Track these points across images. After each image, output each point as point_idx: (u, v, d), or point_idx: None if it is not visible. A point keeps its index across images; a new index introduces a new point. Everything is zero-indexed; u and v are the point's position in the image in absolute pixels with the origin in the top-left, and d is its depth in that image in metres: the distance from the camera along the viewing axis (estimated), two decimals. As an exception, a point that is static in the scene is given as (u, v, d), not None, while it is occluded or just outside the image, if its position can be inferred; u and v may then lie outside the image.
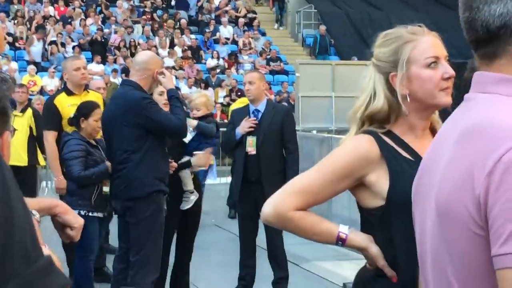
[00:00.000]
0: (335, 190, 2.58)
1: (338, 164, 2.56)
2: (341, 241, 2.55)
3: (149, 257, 5.93)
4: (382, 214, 2.53)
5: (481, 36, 1.53)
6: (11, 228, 1.07)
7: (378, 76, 2.64)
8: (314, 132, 13.11)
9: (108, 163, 6.29)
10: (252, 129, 7.02)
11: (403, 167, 2.53)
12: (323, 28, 26.81)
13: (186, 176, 6.61)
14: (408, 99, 2.57)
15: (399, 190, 2.48)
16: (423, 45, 2.58)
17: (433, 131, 2.71)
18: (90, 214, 6.27)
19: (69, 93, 7.35)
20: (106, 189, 6.35)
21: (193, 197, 6.66)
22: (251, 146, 7.04)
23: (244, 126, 7.02)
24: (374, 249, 2.54)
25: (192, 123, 6.77)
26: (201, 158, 6.67)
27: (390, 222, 2.52)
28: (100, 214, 6.41)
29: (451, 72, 2.56)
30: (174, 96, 6.03)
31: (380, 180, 2.54)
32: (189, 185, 6.65)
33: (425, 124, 2.67)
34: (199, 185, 6.90)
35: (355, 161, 2.55)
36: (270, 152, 7.04)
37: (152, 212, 5.88)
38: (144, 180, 5.86)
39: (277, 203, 2.53)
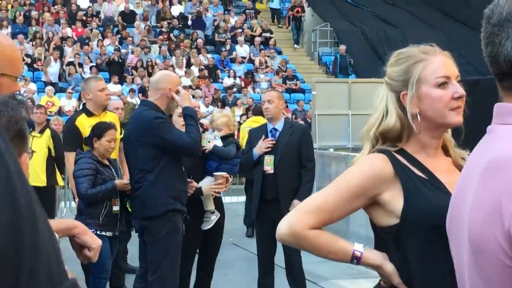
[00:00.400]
0: (350, 209, 2.59)
1: (352, 183, 2.57)
2: (356, 259, 2.56)
3: (166, 277, 5.93)
4: (396, 232, 2.55)
5: (504, 69, 1.55)
6: (38, 250, 1.08)
7: (390, 95, 2.65)
8: (331, 150, 13.10)
9: (116, 182, 6.34)
10: (270, 149, 7.03)
11: (417, 185, 2.55)
12: (343, 47, 26.69)
13: (206, 197, 6.60)
14: (419, 118, 2.59)
15: (414, 208, 2.50)
16: (434, 64, 2.59)
17: (445, 149, 2.73)
18: (98, 232, 6.27)
19: (89, 114, 7.38)
20: (116, 208, 6.39)
21: (214, 217, 6.64)
22: (268, 165, 7.05)
23: (262, 146, 7.04)
24: (389, 267, 2.55)
25: (208, 146, 6.75)
26: (213, 186, 6.61)
27: (404, 240, 2.53)
28: (109, 233, 6.38)
29: (461, 92, 2.57)
30: (188, 114, 6.04)
31: (394, 198, 2.55)
32: (209, 205, 6.64)
33: (437, 143, 2.68)
34: (221, 204, 6.90)
35: (369, 180, 2.56)
36: (287, 171, 7.05)
37: (168, 231, 5.89)
38: (159, 199, 5.88)
39: (292, 222, 2.55)
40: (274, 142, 7.04)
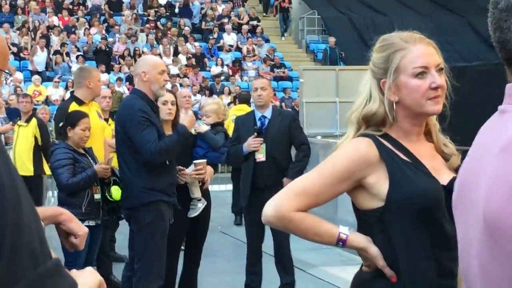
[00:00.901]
0: (336, 192, 2.62)
1: (338, 166, 2.60)
2: (341, 242, 2.58)
3: (151, 265, 5.93)
4: (381, 215, 2.58)
5: None
6: (20, 229, 1.09)
7: (373, 81, 2.69)
8: (319, 137, 13.11)
9: (96, 167, 6.29)
10: (257, 148, 7.02)
11: (402, 169, 2.59)
12: (332, 40, 26.50)
13: (193, 184, 6.59)
14: (395, 106, 2.63)
15: (399, 191, 2.54)
16: (413, 54, 2.61)
17: (429, 134, 2.76)
18: (81, 223, 6.21)
19: (80, 102, 7.32)
20: (97, 196, 6.33)
21: (200, 205, 6.63)
22: (260, 153, 7.04)
23: (250, 144, 7.01)
24: (374, 250, 2.58)
25: (202, 128, 6.76)
26: (192, 173, 6.58)
27: (389, 223, 2.57)
28: (92, 223, 6.25)
29: (438, 82, 2.59)
30: (178, 130, 6.02)
31: (379, 182, 2.58)
32: (196, 193, 6.62)
33: (419, 130, 2.71)
34: (208, 192, 6.89)
35: (355, 163, 2.59)
36: (278, 158, 7.06)
37: (152, 219, 5.87)
38: (142, 191, 5.86)
39: (278, 204, 2.57)
40: (261, 140, 7.02)
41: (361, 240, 2.59)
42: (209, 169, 6.73)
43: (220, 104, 7.49)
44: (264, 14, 30.89)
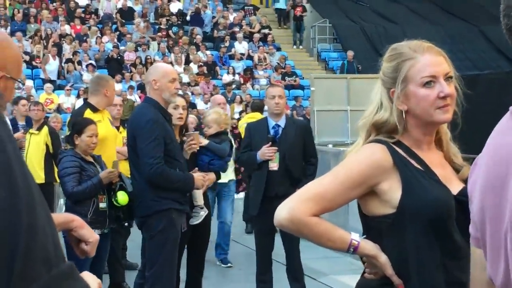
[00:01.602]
0: (349, 197, 2.62)
1: (353, 171, 2.60)
2: (353, 248, 2.58)
3: (162, 272, 5.92)
4: (392, 222, 2.58)
5: None
6: (34, 232, 1.10)
7: (383, 90, 2.70)
8: (330, 146, 13.11)
9: (101, 174, 6.26)
10: (272, 157, 7.00)
11: (416, 176, 2.59)
12: (351, 54, 26.21)
13: (197, 191, 6.58)
14: (404, 115, 2.63)
15: (412, 199, 2.54)
16: (421, 63, 2.61)
17: (439, 142, 2.75)
18: None
19: (95, 109, 7.35)
20: (102, 205, 6.31)
21: (203, 213, 6.61)
22: (273, 162, 7.02)
23: (265, 153, 6.98)
24: (383, 258, 2.58)
25: (203, 142, 6.73)
26: (187, 149, 6.48)
27: (400, 230, 2.56)
28: (97, 231, 6.11)
29: (447, 91, 2.59)
30: (187, 181, 6.05)
31: (391, 188, 2.58)
32: (199, 200, 6.60)
33: (429, 139, 2.72)
34: (208, 201, 6.89)
35: (369, 169, 2.59)
36: (291, 168, 7.03)
37: (164, 227, 5.87)
38: (155, 199, 5.86)
39: (292, 208, 2.56)
40: (276, 149, 6.99)
41: (372, 247, 2.59)
42: (211, 175, 6.72)
43: (220, 114, 7.44)
44: (279, 26, 30.82)
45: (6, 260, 1.07)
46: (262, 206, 7.04)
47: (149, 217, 5.90)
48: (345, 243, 2.58)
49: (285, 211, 2.57)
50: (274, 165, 7.01)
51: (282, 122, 7.16)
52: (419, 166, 2.62)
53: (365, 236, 2.63)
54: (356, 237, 2.59)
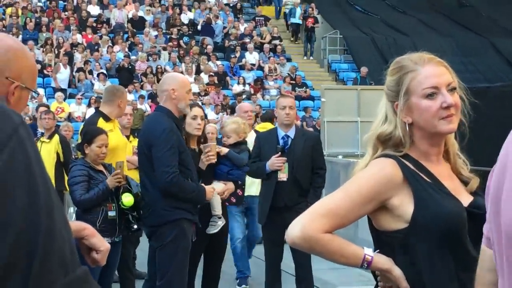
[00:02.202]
0: (361, 213, 2.61)
1: (365, 187, 2.59)
2: (367, 263, 2.57)
3: (173, 282, 5.93)
4: (404, 237, 2.57)
5: None
6: (53, 236, 1.11)
7: (387, 104, 2.71)
8: (340, 157, 13.10)
9: (107, 180, 6.26)
10: (281, 167, 7.00)
11: (427, 190, 2.58)
12: (365, 70, 25.77)
13: (216, 200, 6.58)
14: (408, 128, 2.64)
15: (425, 213, 2.54)
16: (422, 75, 2.62)
17: (447, 154, 2.76)
18: None
19: (107, 119, 7.38)
20: (111, 213, 6.31)
21: (220, 222, 6.61)
22: (282, 172, 7.02)
23: (274, 163, 6.99)
24: (398, 271, 2.57)
25: (222, 151, 6.74)
26: (204, 157, 6.47)
27: (413, 244, 2.56)
28: (107, 240, 6.14)
29: (449, 101, 2.59)
30: (200, 194, 6.05)
31: (403, 203, 2.58)
32: (217, 209, 6.61)
33: (438, 150, 2.71)
34: (225, 211, 6.89)
35: (381, 184, 2.59)
36: (300, 179, 7.03)
37: (175, 236, 5.88)
38: (167, 209, 5.88)
39: (305, 225, 2.54)
40: (285, 159, 6.99)
41: (385, 261, 2.58)
42: (230, 185, 6.74)
43: (239, 123, 7.45)
44: (292, 41, 30.75)
45: (24, 261, 1.08)
46: (270, 216, 7.06)
47: (160, 226, 5.90)
48: (358, 259, 2.57)
49: (297, 229, 2.54)
50: (283, 176, 7.01)
51: (291, 132, 7.17)
52: (428, 179, 2.61)
53: (378, 250, 2.62)
54: (369, 252, 2.58)
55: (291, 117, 7.15)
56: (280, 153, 7.00)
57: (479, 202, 2.59)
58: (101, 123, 7.24)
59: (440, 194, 2.58)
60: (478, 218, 2.43)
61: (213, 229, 6.57)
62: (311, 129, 20.39)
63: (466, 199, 2.62)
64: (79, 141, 7.15)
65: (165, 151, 5.78)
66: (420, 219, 2.54)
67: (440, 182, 2.62)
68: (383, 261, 2.59)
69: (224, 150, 6.76)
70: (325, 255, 2.61)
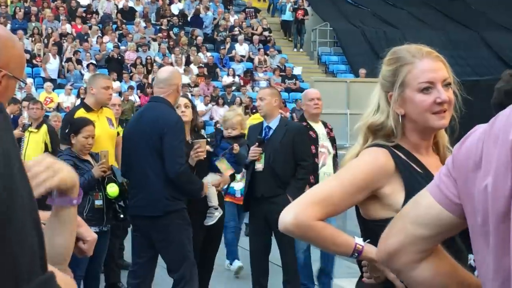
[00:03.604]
0: (354, 202, 2.62)
1: (358, 176, 2.59)
2: (357, 253, 2.59)
3: (192, 271, 6.07)
4: None
5: None
6: (6, 244, 1.05)
7: (381, 93, 2.71)
8: (329, 149, 13.07)
9: (93, 170, 6.25)
10: (256, 157, 7.03)
11: (418, 180, 2.58)
12: (363, 71, 24.91)
13: (212, 192, 6.58)
14: (401, 120, 2.64)
15: None
16: (419, 69, 2.62)
17: (436, 145, 2.78)
18: None
19: (88, 109, 7.34)
20: (98, 202, 6.30)
21: (217, 214, 6.61)
22: (259, 162, 7.06)
23: (250, 153, 7.04)
24: None
25: (236, 148, 6.79)
26: (194, 156, 6.46)
27: None
28: (95, 229, 6.02)
29: (444, 97, 2.59)
30: (196, 190, 6.15)
31: (394, 192, 2.59)
32: (213, 201, 6.60)
33: (427, 143, 2.73)
34: (222, 202, 6.89)
35: (374, 173, 2.59)
36: (277, 170, 7.01)
37: (180, 226, 6.00)
38: (170, 199, 5.95)
39: (298, 212, 2.53)
40: (260, 151, 7.02)
41: (375, 251, 2.60)
42: (225, 177, 6.74)
43: (242, 115, 7.51)
44: (284, 37, 30.64)
45: None
46: (252, 206, 7.11)
47: (163, 217, 5.94)
48: (349, 248, 2.58)
49: (290, 216, 2.54)
50: (259, 166, 7.06)
51: (273, 124, 7.17)
52: (419, 169, 2.63)
53: (369, 240, 2.62)
54: (360, 241, 2.60)
55: (263, 108, 7.17)
56: (258, 143, 7.04)
57: None
58: (81, 113, 7.21)
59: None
60: None
61: (210, 221, 6.58)
62: (298, 121, 20.40)
63: None
64: (60, 130, 7.12)
65: (178, 141, 5.91)
66: None
67: (430, 173, 2.62)
68: (373, 251, 2.58)
69: (237, 149, 6.80)
70: (316, 242, 2.62)
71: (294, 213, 2.54)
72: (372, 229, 2.65)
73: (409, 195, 2.56)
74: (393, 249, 1.93)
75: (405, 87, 2.62)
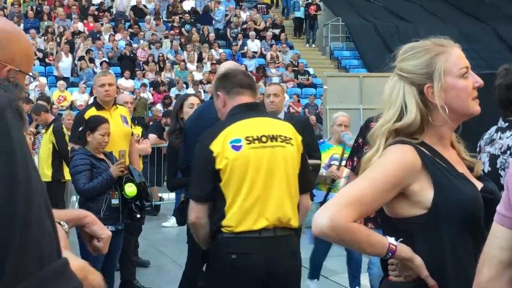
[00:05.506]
0: (385, 200, 2.58)
1: (389, 173, 2.56)
2: (391, 252, 2.55)
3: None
4: (425, 223, 2.56)
5: None
6: (29, 227, 1.06)
7: (408, 88, 2.64)
8: (342, 144, 13.04)
9: (111, 169, 6.27)
10: None
11: (446, 176, 2.58)
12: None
13: None
14: (446, 109, 2.59)
15: (446, 198, 2.54)
16: (453, 56, 2.62)
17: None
18: None
19: (99, 107, 7.36)
20: (115, 201, 6.31)
21: None
22: None
23: None
24: (419, 260, 2.55)
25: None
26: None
27: (435, 230, 2.55)
28: (111, 228, 6.04)
29: (480, 81, 2.61)
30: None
31: (423, 189, 2.56)
32: None
33: (451, 135, 2.72)
34: None
35: (404, 170, 2.56)
36: None
37: None
38: None
39: (332, 215, 2.48)
40: None
41: (408, 250, 2.56)
42: None
43: None
44: (295, 36, 30.53)
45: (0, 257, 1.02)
46: None
47: None
48: (384, 248, 2.54)
49: (325, 219, 2.47)
50: None
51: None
52: (444, 165, 2.61)
53: (401, 239, 2.58)
54: (392, 240, 2.55)
55: (277, 105, 7.14)
56: None
57: (490, 187, 2.62)
58: (92, 112, 7.21)
59: (457, 179, 2.58)
60: (490, 202, 2.46)
61: None
62: (313, 117, 20.40)
63: (477, 184, 2.63)
64: (71, 129, 7.15)
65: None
66: (441, 204, 2.53)
67: (454, 168, 2.62)
68: (407, 250, 2.56)
69: None
70: (352, 244, 2.59)
71: (328, 216, 2.48)
72: (400, 228, 2.62)
73: (438, 190, 2.54)
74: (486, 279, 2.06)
75: (445, 75, 2.59)
